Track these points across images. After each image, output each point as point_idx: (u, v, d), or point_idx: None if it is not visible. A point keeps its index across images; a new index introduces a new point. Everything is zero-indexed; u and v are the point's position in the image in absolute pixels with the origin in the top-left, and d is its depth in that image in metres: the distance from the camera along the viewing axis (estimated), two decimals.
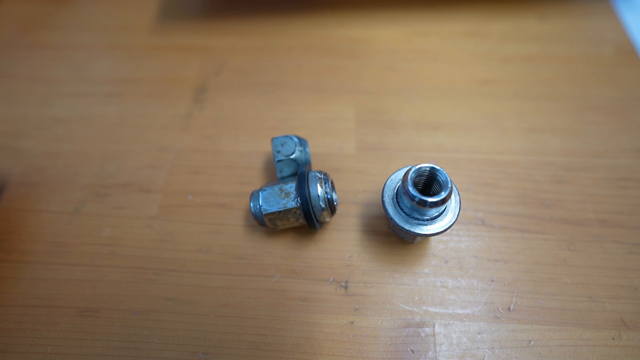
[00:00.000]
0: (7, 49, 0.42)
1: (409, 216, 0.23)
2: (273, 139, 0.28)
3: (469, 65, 0.38)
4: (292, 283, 0.26)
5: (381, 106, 0.35)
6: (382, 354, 0.24)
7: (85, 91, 0.38)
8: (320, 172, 0.26)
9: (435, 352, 0.24)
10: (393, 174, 0.25)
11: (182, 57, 0.40)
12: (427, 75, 0.37)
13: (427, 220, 0.23)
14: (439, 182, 0.23)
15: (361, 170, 0.31)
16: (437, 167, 0.22)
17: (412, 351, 0.24)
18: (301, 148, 0.27)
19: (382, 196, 0.24)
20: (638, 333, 0.24)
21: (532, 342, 0.24)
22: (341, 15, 0.43)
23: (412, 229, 0.22)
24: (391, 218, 0.23)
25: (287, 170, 0.27)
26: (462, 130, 0.33)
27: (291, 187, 0.25)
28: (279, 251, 0.28)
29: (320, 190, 0.24)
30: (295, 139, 0.27)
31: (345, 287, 0.26)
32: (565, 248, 0.27)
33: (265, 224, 0.26)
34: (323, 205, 0.24)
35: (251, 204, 0.26)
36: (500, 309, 0.25)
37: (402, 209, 0.23)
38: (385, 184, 0.24)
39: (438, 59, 0.39)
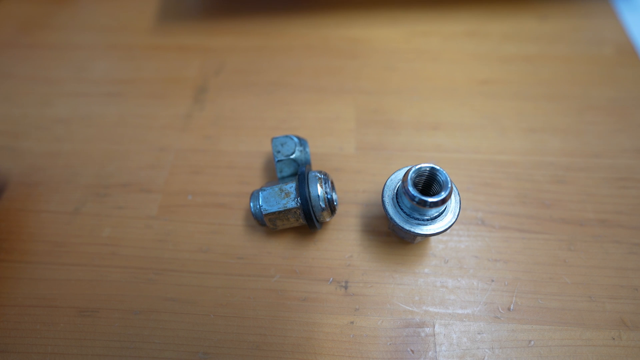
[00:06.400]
0: (7, 49, 0.42)
1: (409, 216, 0.23)
2: (273, 139, 0.28)
3: (469, 65, 0.38)
4: (292, 283, 0.26)
5: (381, 106, 0.35)
6: (382, 354, 0.24)
7: (85, 91, 0.38)
8: (320, 172, 0.26)
9: (435, 352, 0.24)
10: (393, 174, 0.25)
11: (182, 57, 0.40)
12: (427, 75, 0.37)
13: (427, 220, 0.23)
14: (439, 182, 0.23)
15: (361, 170, 0.31)
16: (437, 167, 0.22)
17: (412, 351, 0.24)
18: (301, 148, 0.27)
19: (382, 196, 0.24)
20: (638, 333, 0.24)
21: (532, 342, 0.24)
22: (341, 15, 0.43)
23: (412, 229, 0.22)
24: (391, 218, 0.23)
25: (287, 170, 0.27)
26: (462, 130, 0.33)
27: (291, 187, 0.25)
28: (279, 251, 0.28)
29: (320, 190, 0.24)
30: (295, 139, 0.27)
31: (345, 287, 0.26)
32: (565, 248, 0.27)
33: (265, 224, 0.26)
34: (323, 205, 0.24)
35: (251, 204, 0.26)
36: (500, 309, 0.25)
37: (402, 209, 0.23)
38: (385, 184, 0.24)
39: (438, 59, 0.39)
